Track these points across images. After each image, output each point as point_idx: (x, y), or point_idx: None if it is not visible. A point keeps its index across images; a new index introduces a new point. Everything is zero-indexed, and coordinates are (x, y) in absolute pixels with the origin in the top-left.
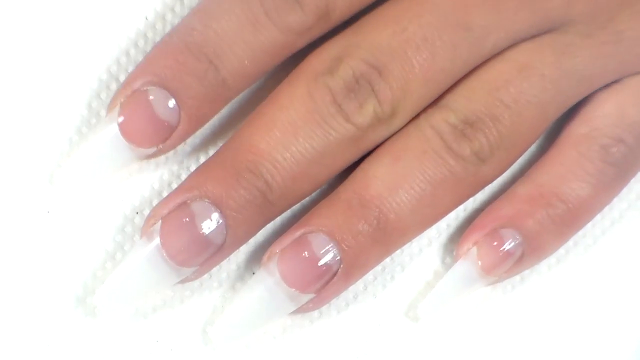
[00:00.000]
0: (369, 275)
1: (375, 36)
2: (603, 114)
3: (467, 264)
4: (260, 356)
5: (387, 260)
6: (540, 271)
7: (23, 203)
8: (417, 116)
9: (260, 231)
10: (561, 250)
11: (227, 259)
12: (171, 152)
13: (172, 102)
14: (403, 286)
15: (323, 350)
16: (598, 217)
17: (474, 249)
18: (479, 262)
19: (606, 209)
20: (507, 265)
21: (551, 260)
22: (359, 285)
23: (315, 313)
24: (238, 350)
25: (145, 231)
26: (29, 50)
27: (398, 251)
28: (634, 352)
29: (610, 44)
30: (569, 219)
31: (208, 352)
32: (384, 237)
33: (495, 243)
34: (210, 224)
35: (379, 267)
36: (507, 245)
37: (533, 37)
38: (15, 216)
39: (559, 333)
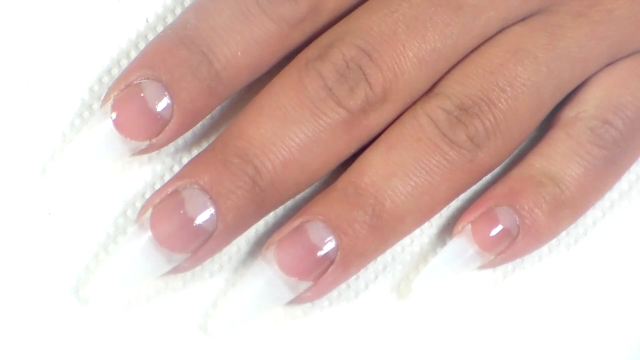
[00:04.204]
0: None
1: (365, 20)
2: (591, 97)
3: (462, 240)
4: (253, 348)
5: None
6: (532, 261)
7: (15, 195)
8: (412, 105)
9: (265, 228)
10: (553, 240)
11: (230, 258)
12: (164, 147)
13: (165, 95)
14: (396, 277)
15: (315, 342)
16: None
17: (469, 226)
18: (474, 238)
19: None
20: (502, 243)
21: (543, 249)
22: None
23: (308, 304)
24: (231, 341)
25: (137, 220)
26: (29, 50)
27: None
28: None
29: (600, 23)
30: (561, 199)
31: (204, 342)
32: (381, 224)
33: (489, 219)
34: (199, 209)
35: None
36: (501, 221)
37: (524, 18)
38: (6, 207)
39: (547, 324)
